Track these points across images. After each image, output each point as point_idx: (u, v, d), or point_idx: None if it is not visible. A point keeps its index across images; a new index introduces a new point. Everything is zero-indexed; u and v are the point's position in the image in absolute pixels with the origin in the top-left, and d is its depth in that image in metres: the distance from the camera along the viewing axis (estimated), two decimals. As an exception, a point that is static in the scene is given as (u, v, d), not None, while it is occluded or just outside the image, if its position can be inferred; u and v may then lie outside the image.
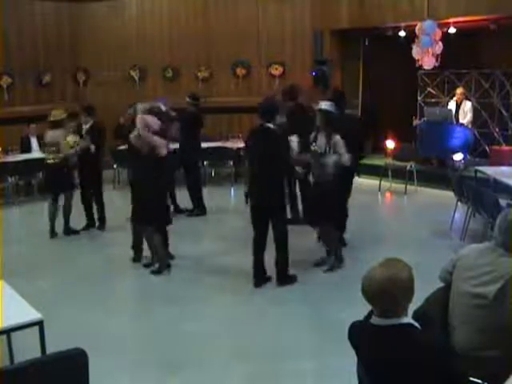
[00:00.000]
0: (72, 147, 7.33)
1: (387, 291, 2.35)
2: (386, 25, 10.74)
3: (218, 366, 4.29)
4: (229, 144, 10.98)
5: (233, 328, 4.93)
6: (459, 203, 7.40)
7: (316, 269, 6.20)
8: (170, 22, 12.52)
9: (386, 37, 10.98)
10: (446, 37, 9.88)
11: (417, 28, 9.82)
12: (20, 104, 11.79)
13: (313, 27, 11.73)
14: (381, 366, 2.44)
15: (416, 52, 9.90)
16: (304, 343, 4.62)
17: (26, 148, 10.40)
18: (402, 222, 8.39)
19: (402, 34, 10.55)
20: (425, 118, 10.49)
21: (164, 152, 5.99)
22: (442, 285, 3.19)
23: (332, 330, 4.58)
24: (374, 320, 2.43)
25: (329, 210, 5.93)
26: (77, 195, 7.75)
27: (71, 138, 7.37)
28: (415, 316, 2.79)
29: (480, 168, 8.22)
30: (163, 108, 6.82)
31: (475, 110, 10.35)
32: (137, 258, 6.57)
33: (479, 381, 2.78)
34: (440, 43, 9.73)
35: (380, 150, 11.23)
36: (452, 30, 10.03)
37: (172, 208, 8.21)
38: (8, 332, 3.57)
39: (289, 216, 7.83)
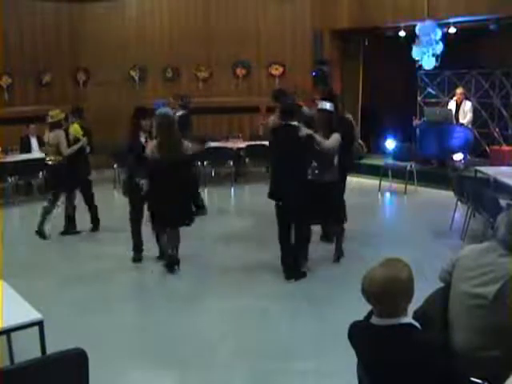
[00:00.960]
0: (79, 135, 7.47)
1: (387, 291, 2.35)
2: (386, 25, 10.75)
3: (220, 364, 4.29)
4: (229, 144, 10.98)
5: (233, 327, 4.93)
6: (459, 203, 7.40)
7: (316, 268, 6.20)
8: (170, 22, 12.53)
9: (386, 37, 10.99)
10: (446, 37, 9.88)
11: (417, 28, 9.83)
12: (20, 104, 11.80)
13: (313, 27, 11.75)
14: (381, 366, 2.44)
15: (416, 52, 9.91)
16: (304, 342, 4.62)
17: (26, 148, 10.40)
18: (402, 221, 8.39)
19: (402, 33, 10.55)
20: (425, 118, 10.50)
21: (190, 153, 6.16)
22: (441, 285, 3.19)
23: (332, 330, 4.58)
24: (374, 320, 2.43)
25: (332, 208, 6.11)
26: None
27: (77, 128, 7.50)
28: (415, 316, 2.79)
29: (480, 168, 8.22)
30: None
31: (475, 110, 10.36)
32: (137, 258, 6.58)
33: (479, 381, 2.78)
34: (440, 43, 9.73)
35: (380, 150, 11.23)
36: (452, 30, 10.03)
37: None
38: (8, 332, 3.57)
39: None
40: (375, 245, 6.88)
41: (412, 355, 2.33)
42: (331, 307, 5.21)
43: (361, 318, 2.57)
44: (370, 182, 10.33)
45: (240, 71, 12.42)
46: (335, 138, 5.95)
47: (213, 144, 10.83)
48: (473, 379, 2.77)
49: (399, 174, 9.90)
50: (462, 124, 10.02)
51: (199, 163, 10.09)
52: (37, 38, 12.19)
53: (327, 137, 5.92)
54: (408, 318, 2.45)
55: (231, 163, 10.80)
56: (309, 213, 5.92)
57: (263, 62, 12.26)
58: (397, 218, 8.81)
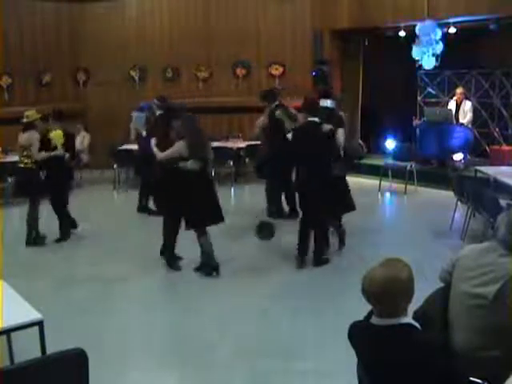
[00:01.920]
0: (58, 143, 7.05)
1: (387, 291, 2.35)
2: (386, 25, 10.74)
3: (220, 364, 4.29)
4: (229, 144, 10.98)
5: (233, 327, 4.93)
6: (459, 203, 7.40)
7: (315, 268, 6.20)
8: (170, 22, 12.53)
9: (386, 37, 10.99)
10: (446, 37, 9.88)
11: (417, 28, 9.83)
12: (20, 104, 11.78)
13: (313, 27, 11.74)
14: (381, 366, 2.44)
15: (416, 52, 9.91)
16: (304, 342, 4.62)
17: (26, 148, 10.37)
18: (402, 221, 8.39)
19: (402, 33, 10.55)
20: (425, 118, 10.50)
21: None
22: (441, 285, 3.19)
23: (332, 330, 4.58)
24: (374, 320, 2.43)
25: (344, 201, 6.47)
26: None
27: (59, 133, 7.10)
28: (415, 316, 2.79)
29: (480, 168, 8.22)
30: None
31: (475, 110, 10.36)
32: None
33: (479, 381, 2.78)
34: (440, 43, 9.73)
35: (380, 150, 11.24)
36: (452, 30, 10.03)
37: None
38: (8, 332, 3.57)
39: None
40: (375, 245, 6.88)
41: (412, 355, 2.33)
42: (331, 307, 5.21)
43: (361, 318, 2.57)
44: (370, 181, 10.33)
45: (240, 71, 12.42)
46: (341, 133, 6.37)
47: (213, 144, 10.83)
48: (473, 379, 2.77)
49: (399, 174, 9.90)
50: (462, 124, 10.02)
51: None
52: (37, 38, 12.19)
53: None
54: (408, 318, 2.45)
55: (231, 163, 10.80)
56: (330, 207, 6.20)
57: (263, 61, 12.25)
58: (397, 218, 8.80)
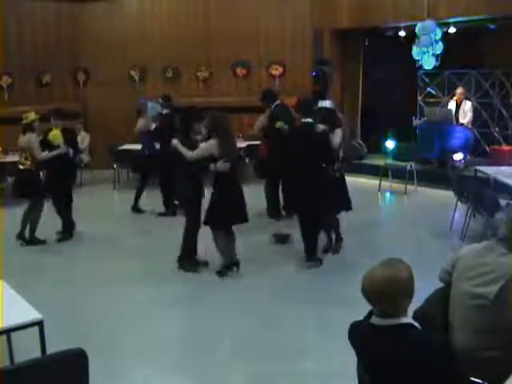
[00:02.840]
0: (59, 142, 7.05)
1: (387, 291, 2.35)
2: (386, 25, 10.74)
3: (220, 365, 4.29)
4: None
5: (233, 328, 4.93)
6: (459, 203, 7.40)
7: (315, 268, 6.20)
8: (169, 22, 12.53)
9: (386, 37, 10.99)
10: (445, 37, 9.88)
11: (417, 28, 9.83)
12: (20, 104, 11.78)
13: (313, 27, 11.74)
14: (381, 366, 2.44)
15: (416, 52, 9.91)
16: (304, 343, 4.62)
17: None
18: (402, 221, 8.38)
19: (402, 33, 10.55)
20: (425, 118, 10.50)
21: None
22: (442, 285, 3.19)
23: (332, 330, 4.58)
24: (374, 320, 2.43)
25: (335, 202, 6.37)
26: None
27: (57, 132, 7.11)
28: (415, 316, 2.79)
29: (480, 168, 8.22)
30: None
31: (475, 110, 10.36)
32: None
33: (479, 381, 2.78)
34: (440, 43, 9.73)
35: (380, 150, 11.24)
36: (452, 30, 10.03)
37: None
38: (8, 332, 3.57)
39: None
40: (375, 244, 6.88)
41: (412, 355, 2.33)
42: (331, 307, 5.21)
43: (361, 317, 2.57)
44: (370, 181, 10.33)
45: (240, 71, 12.42)
46: (338, 133, 6.28)
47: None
48: (473, 379, 2.77)
49: (399, 174, 9.90)
50: (462, 124, 10.02)
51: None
52: (37, 38, 12.19)
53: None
54: (408, 318, 2.45)
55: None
56: (330, 206, 6.20)
57: (263, 61, 12.25)
58: (397, 218, 8.80)
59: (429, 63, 9.90)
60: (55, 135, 7.09)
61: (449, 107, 10.30)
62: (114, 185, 10.71)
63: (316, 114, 6.30)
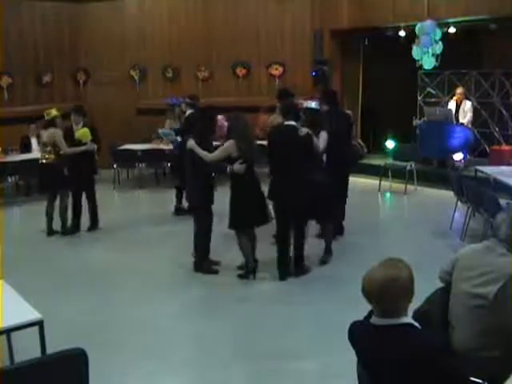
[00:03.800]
0: (87, 140, 7.40)
1: (387, 291, 2.35)
2: (386, 25, 10.74)
3: (219, 365, 4.29)
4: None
5: (233, 327, 4.93)
6: (459, 203, 7.40)
7: (314, 268, 6.20)
8: (169, 22, 12.52)
9: (386, 37, 10.98)
10: (445, 37, 9.88)
11: (417, 28, 9.83)
12: (20, 104, 11.79)
13: (313, 27, 11.74)
14: (381, 366, 2.44)
15: (416, 52, 9.91)
16: (304, 343, 4.62)
17: (26, 148, 10.40)
18: (402, 221, 8.38)
19: (402, 33, 10.55)
20: (425, 118, 10.50)
21: None
22: (442, 285, 3.19)
23: (332, 330, 4.58)
24: (374, 320, 2.43)
25: (328, 209, 6.14)
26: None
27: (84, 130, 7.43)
28: (415, 316, 2.79)
29: (480, 168, 8.22)
30: None
31: (475, 110, 10.36)
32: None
33: (479, 381, 2.78)
34: (440, 43, 9.73)
35: (380, 149, 11.24)
36: (452, 30, 10.03)
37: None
38: (8, 332, 3.57)
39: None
40: (375, 244, 6.87)
41: (412, 355, 2.33)
42: (331, 307, 5.21)
43: (361, 317, 2.57)
44: (370, 181, 10.33)
45: (240, 71, 12.42)
46: (324, 137, 6.05)
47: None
48: (473, 379, 2.77)
49: (399, 174, 9.90)
50: (462, 124, 10.02)
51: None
52: (37, 38, 12.18)
53: (315, 135, 5.95)
54: (408, 318, 2.45)
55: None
56: (308, 211, 5.95)
57: (263, 61, 12.25)
58: (397, 218, 8.80)
59: (429, 63, 9.90)
60: (85, 133, 7.39)
61: (449, 107, 10.30)
62: (114, 185, 10.71)
63: (299, 116, 6.00)
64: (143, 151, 10.63)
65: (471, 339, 2.87)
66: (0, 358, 3.91)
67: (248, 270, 5.99)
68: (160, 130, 9.96)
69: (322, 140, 6.02)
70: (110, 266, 6.53)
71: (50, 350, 3.27)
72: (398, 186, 9.85)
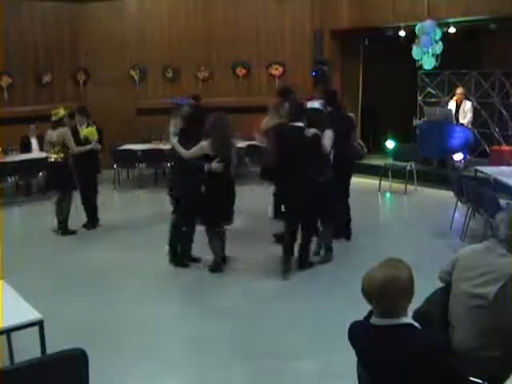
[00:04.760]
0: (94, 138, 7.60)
1: (387, 291, 2.35)
2: (386, 25, 10.74)
3: (219, 364, 4.29)
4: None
5: (233, 327, 4.93)
6: (459, 203, 7.40)
7: (314, 267, 6.21)
8: (169, 22, 12.52)
9: (386, 37, 10.99)
10: (445, 37, 9.88)
11: (417, 28, 9.83)
12: (20, 104, 11.79)
13: (313, 27, 11.75)
14: (381, 366, 2.44)
15: (416, 52, 9.91)
16: (304, 342, 4.62)
17: (26, 148, 10.40)
18: (402, 221, 8.39)
19: (402, 33, 10.55)
20: (425, 118, 10.50)
21: None
22: (442, 285, 3.19)
23: (332, 330, 4.58)
24: (374, 320, 2.43)
25: (329, 210, 6.18)
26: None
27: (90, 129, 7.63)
28: (415, 316, 2.79)
29: (480, 168, 8.22)
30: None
31: (475, 110, 10.36)
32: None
33: (479, 381, 2.78)
34: (440, 43, 9.73)
35: (380, 149, 11.23)
36: (452, 30, 10.03)
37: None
38: (8, 332, 3.57)
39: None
40: (375, 245, 6.88)
41: (412, 355, 2.33)
42: (330, 306, 5.21)
43: (361, 317, 2.57)
44: (370, 181, 10.33)
45: (240, 71, 12.42)
46: (329, 135, 6.08)
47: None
48: (473, 379, 2.77)
49: (399, 174, 9.90)
50: (462, 124, 10.02)
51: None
52: (37, 38, 12.18)
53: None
54: (408, 318, 2.45)
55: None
56: (313, 211, 6.02)
57: (263, 61, 12.26)
58: (397, 218, 8.80)
59: (429, 63, 9.90)
60: (91, 132, 7.61)
61: (449, 107, 10.30)
62: (114, 185, 10.71)
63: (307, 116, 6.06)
64: (143, 151, 10.63)
65: (471, 339, 2.87)
66: (0, 358, 3.91)
67: (216, 268, 6.12)
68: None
69: (327, 138, 6.06)
70: (110, 265, 6.53)
71: (49, 350, 3.27)
72: (398, 186, 9.85)
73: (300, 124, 5.87)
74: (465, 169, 9.73)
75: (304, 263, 6.17)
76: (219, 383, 4.11)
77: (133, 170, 11.39)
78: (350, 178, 7.10)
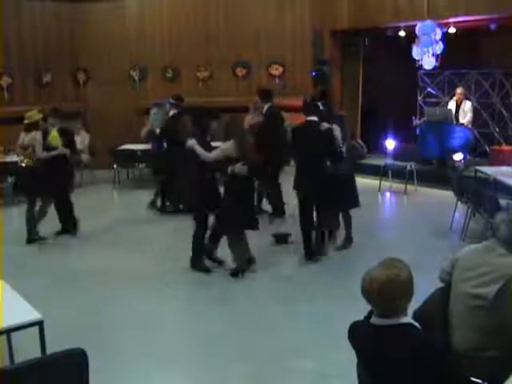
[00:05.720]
0: (58, 144, 7.08)
1: (387, 291, 2.35)
2: (386, 25, 10.74)
3: (219, 364, 4.29)
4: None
5: (233, 327, 4.93)
6: (459, 203, 7.40)
7: (315, 267, 6.21)
8: (169, 22, 12.52)
9: (386, 37, 10.98)
10: (445, 37, 9.88)
11: (417, 28, 9.83)
12: (20, 104, 11.78)
13: (313, 27, 11.74)
14: (381, 366, 2.44)
15: (416, 52, 9.91)
16: (305, 342, 4.62)
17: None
18: (402, 222, 8.39)
19: (402, 34, 10.55)
20: (425, 118, 10.49)
21: None
22: (442, 285, 3.19)
23: (332, 330, 4.58)
24: (374, 320, 2.44)
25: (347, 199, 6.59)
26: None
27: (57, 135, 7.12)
28: (415, 316, 2.79)
29: (480, 168, 8.22)
30: None
31: (475, 110, 10.35)
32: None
33: (479, 381, 2.78)
34: (440, 43, 9.73)
35: (380, 150, 11.23)
36: (452, 30, 10.03)
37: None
38: (8, 332, 3.57)
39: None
40: (375, 245, 6.88)
41: (412, 355, 2.33)
42: (330, 306, 5.21)
43: (361, 317, 2.57)
44: (370, 181, 10.32)
45: (240, 71, 12.42)
46: (338, 130, 6.40)
47: (213, 144, 10.82)
48: (473, 379, 2.77)
49: (399, 174, 9.90)
50: (462, 124, 10.02)
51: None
52: (37, 38, 12.17)
53: None
54: (408, 318, 2.45)
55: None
56: (332, 202, 6.34)
57: (263, 61, 12.26)
58: (397, 218, 8.80)
59: (429, 63, 9.89)
60: (54, 138, 7.11)
61: (449, 107, 10.29)
62: (114, 185, 10.71)
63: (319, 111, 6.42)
64: (143, 151, 10.62)
65: (471, 339, 2.87)
66: (0, 358, 3.91)
67: (238, 270, 6.00)
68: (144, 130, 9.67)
69: (337, 133, 6.39)
70: (110, 265, 6.52)
71: (49, 350, 3.27)
72: (398, 185, 9.85)
73: (315, 118, 6.17)
74: (465, 169, 9.73)
75: (313, 256, 6.32)
76: (219, 383, 4.11)
77: (133, 170, 11.39)
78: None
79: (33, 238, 7.26)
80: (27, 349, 3.55)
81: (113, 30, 12.45)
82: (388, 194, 9.87)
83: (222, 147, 5.88)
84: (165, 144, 8.55)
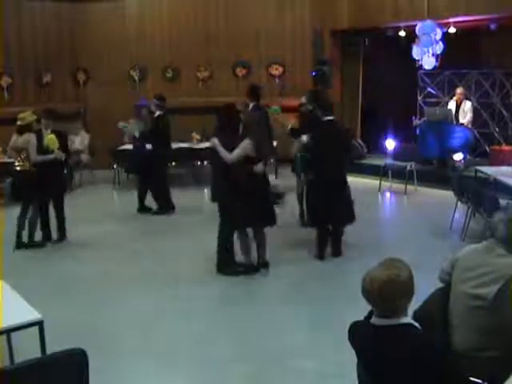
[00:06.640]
0: (54, 147, 6.87)
1: (387, 291, 2.35)
2: (386, 25, 10.74)
3: (219, 364, 4.29)
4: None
5: (233, 327, 4.93)
6: (459, 203, 7.39)
7: (315, 267, 6.20)
8: (169, 22, 12.52)
9: (386, 37, 10.99)
10: (446, 37, 9.88)
11: (417, 28, 9.83)
12: (20, 104, 11.77)
13: (313, 27, 11.75)
14: (381, 366, 2.44)
15: (416, 52, 9.91)
16: (305, 342, 4.62)
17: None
18: (402, 221, 8.39)
19: (402, 34, 10.55)
20: (425, 118, 10.49)
21: None
22: (442, 285, 3.19)
23: (332, 330, 4.58)
24: (374, 320, 2.44)
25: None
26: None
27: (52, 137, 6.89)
28: (415, 316, 2.79)
29: (480, 168, 8.22)
30: None
31: (475, 110, 10.35)
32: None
33: (479, 381, 2.78)
34: (440, 43, 9.73)
35: (380, 150, 11.23)
36: (452, 30, 10.03)
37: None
38: (8, 332, 3.57)
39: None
40: (375, 245, 6.88)
41: (412, 355, 2.33)
42: (330, 306, 5.21)
43: (361, 317, 2.57)
44: (370, 181, 10.33)
45: (240, 71, 12.42)
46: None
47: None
48: (473, 379, 2.77)
49: (399, 174, 9.89)
50: (462, 124, 10.02)
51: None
52: (37, 38, 12.18)
53: None
54: (408, 318, 2.45)
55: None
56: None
57: (263, 61, 12.26)
58: (397, 218, 8.80)
59: (429, 63, 9.89)
60: (51, 140, 6.88)
61: (449, 107, 10.29)
62: (114, 185, 10.71)
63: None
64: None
65: (471, 339, 2.87)
66: (0, 358, 3.91)
67: (244, 270, 5.99)
68: (121, 123, 9.54)
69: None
70: (111, 265, 6.53)
71: (49, 350, 3.27)
72: (398, 186, 9.85)
73: (331, 118, 6.29)
74: (465, 169, 9.72)
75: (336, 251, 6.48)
76: (219, 383, 4.11)
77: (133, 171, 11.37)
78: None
79: (22, 243, 7.10)
80: (27, 349, 3.55)
81: (113, 30, 12.46)
82: (388, 194, 9.87)
83: (241, 146, 5.70)
84: (148, 145, 8.50)
